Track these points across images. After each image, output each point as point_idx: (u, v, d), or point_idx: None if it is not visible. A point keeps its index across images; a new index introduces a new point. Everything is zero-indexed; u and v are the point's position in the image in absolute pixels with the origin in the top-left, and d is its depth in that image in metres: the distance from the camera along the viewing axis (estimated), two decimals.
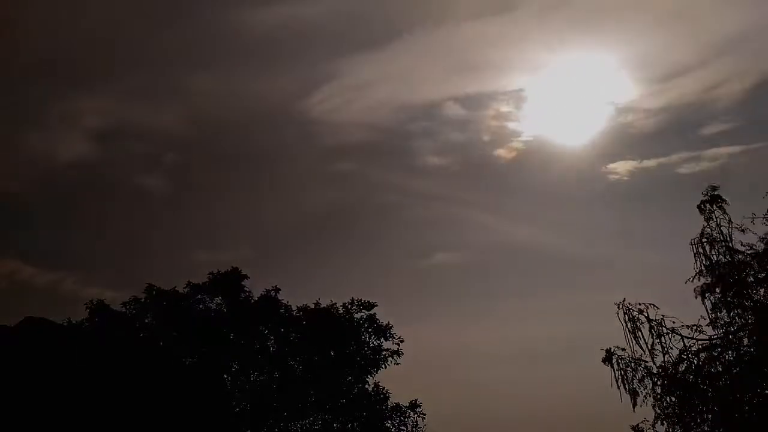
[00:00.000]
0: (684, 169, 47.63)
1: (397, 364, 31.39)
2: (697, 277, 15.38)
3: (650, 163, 48.44)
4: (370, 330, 31.54)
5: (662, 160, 48.17)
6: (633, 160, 48.08)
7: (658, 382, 15.47)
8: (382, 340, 31.49)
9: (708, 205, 15.32)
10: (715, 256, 15.17)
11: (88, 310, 29.31)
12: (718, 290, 15.13)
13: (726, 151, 48.04)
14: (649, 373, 15.65)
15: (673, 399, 15.44)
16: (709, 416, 15.03)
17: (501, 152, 49.00)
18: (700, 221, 15.51)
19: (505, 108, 51.05)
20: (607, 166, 48.60)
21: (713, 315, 15.28)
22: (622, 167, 48.65)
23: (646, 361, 15.67)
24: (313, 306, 31.59)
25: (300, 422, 29.52)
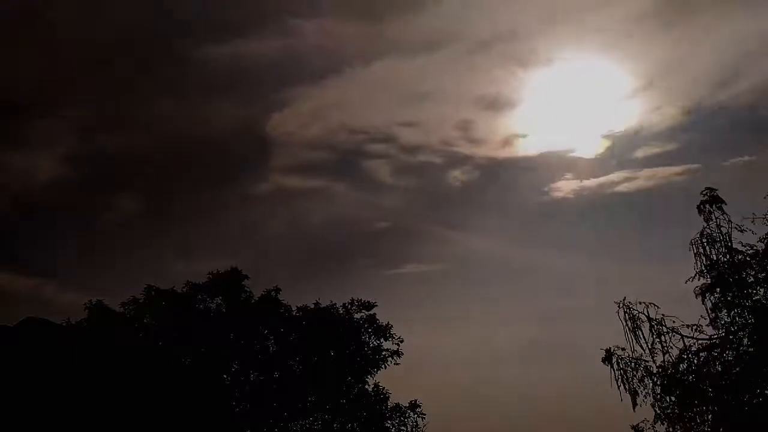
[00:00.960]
0: (622, 188, 49.94)
1: (397, 364, 31.42)
2: (696, 277, 15.41)
3: (590, 183, 50.72)
4: (370, 330, 31.54)
5: (602, 179, 50.54)
6: (576, 180, 50.48)
7: (658, 382, 15.49)
8: (381, 340, 31.50)
9: (707, 206, 15.35)
10: (714, 255, 15.20)
11: (87, 311, 29.29)
12: (718, 290, 15.15)
13: (662, 172, 50.38)
14: (649, 373, 15.67)
15: (673, 399, 15.47)
16: (709, 416, 15.05)
17: (455, 174, 51.39)
18: (699, 222, 15.55)
19: (455, 133, 53.40)
20: (552, 185, 51.15)
21: (713, 315, 15.31)
22: (565, 186, 50.85)
23: (646, 361, 15.69)
24: (313, 306, 31.59)
25: (300, 422, 29.51)
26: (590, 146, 56.74)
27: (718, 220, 15.22)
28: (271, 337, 30.99)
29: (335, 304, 31.79)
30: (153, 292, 30.21)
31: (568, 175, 56.53)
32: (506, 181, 55.79)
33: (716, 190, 15.39)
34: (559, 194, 53.37)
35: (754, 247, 14.98)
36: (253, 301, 31.16)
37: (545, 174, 59.43)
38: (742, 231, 15.08)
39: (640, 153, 54.32)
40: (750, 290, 14.98)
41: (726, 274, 14.99)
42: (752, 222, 14.99)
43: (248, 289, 31.26)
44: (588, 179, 54.06)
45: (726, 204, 15.19)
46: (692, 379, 15.32)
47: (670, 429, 15.23)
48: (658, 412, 15.31)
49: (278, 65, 56.71)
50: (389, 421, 29.99)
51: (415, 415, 30.18)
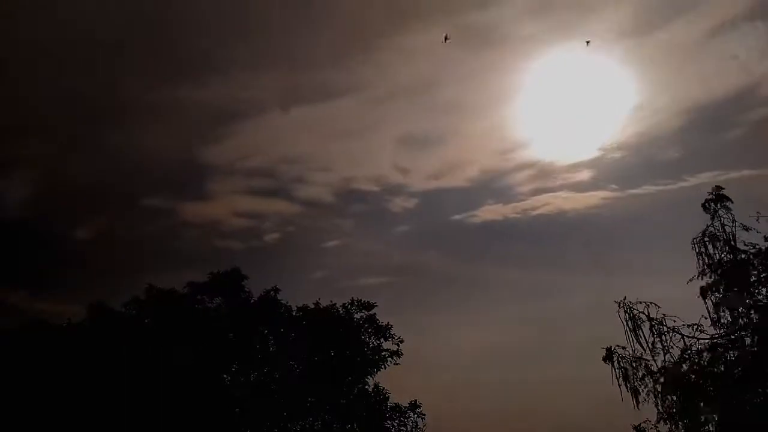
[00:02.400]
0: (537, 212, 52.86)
1: (397, 364, 31.35)
2: (699, 276, 15.41)
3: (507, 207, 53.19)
4: (369, 330, 31.49)
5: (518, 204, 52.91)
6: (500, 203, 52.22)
7: (660, 380, 15.49)
8: (381, 340, 31.44)
9: (713, 204, 15.35)
10: (717, 255, 15.20)
11: (88, 311, 29.23)
12: (720, 289, 15.15)
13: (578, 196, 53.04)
14: (650, 372, 15.67)
15: (675, 398, 15.47)
16: (713, 416, 15.06)
17: (397, 200, 54.61)
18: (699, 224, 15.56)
19: (392, 176, 56.48)
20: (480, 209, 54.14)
21: (715, 314, 15.30)
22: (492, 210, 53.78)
23: (647, 360, 15.69)
24: (312, 306, 31.54)
25: (300, 422, 29.45)
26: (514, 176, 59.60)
27: (722, 218, 15.23)
28: (271, 337, 30.93)
29: (335, 304, 31.74)
30: (154, 293, 30.16)
31: (491, 201, 58.90)
32: (439, 205, 58.40)
33: (723, 188, 15.40)
34: (488, 216, 56.13)
35: (757, 246, 15.00)
36: (252, 301, 31.11)
37: (475, 200, 62.14)
38: (747, 230, 15.10)
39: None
40: (753, 289, 14.99)
41: (728, 274, 14.99)
42: (757, 221, 15.02)
43: (248, 289, 31.24)
44: (509, 204, 56.63)
45: (732, 202, 15.21)
46: (694, 378, 15.32)
47: (673, 428, 15.23)
48: (661, 411, 15.31)
49: (218, 107, 58.62)
50: (389, 421, 29.94)
51: (415, 416, 30.13)
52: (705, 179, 53.38)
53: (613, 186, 56.78)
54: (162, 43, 57.27)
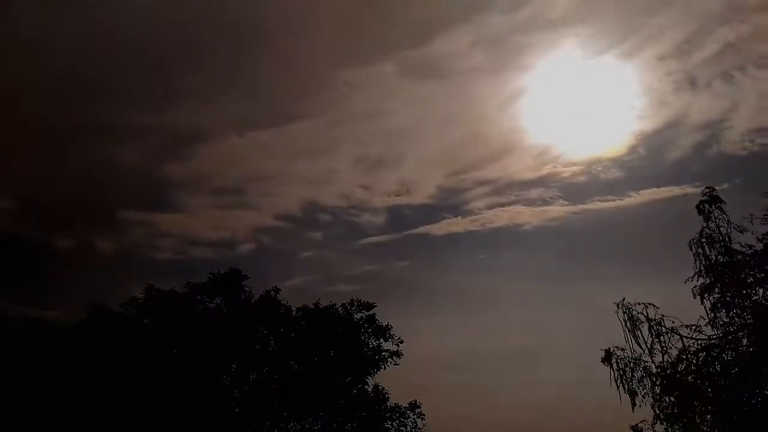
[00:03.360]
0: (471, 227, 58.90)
1: (396, 364, 31.37)
2: (696, 277, 15.40)
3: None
4: (369, 330, 31.52)
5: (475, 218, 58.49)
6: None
7: (658, 382, 15.49)
8: (381, 340, 31.46)
9: (707, 206, 15.34)
10: (714, 256, 15.19)
11: (87, 311, 29.29)
12: (717, 290, 15.15)
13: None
14: (648, 373, 15.67)
15: (673, 399, 15.47)
16: (709, 416, 15.06)
17: (364, 215, 56.53)
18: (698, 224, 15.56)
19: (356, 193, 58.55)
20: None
21: (712, 315, 15.30)
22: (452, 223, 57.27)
23: (646, 361, 15.70)
24: (312, 306, 31.57)
25: (300, 422, 29.49)
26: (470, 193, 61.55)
27: (717, 220, 15.22)
28: (271, 338, 30.97)
29: (335, 304, 31.78)
30: (153, 293, 30.22)
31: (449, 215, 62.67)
32: (403, 220, 61.89)
33: (715, 189, 15.40)
34: (453, 228, 59.27)
35: (753, 248, 15.00)
36: (252, 301, 31.15)
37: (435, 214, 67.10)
38: (741, 231, 15.10)
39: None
40: (749, 290, 14.99)
41: (725, 274, 14.99)
42: (750, 222, 15.02)
43: (248, 289, 31.28)
44: (466, 217, 59.46)
45: (725, 203, 15.21)
46: (691, 379, 15.32)
47: (669, 429, 15.23)
48: (658, 412, 15.31)
49: (183, 131, 61.01)
50: (389, 422, 29.96)
51: (415, 416, 30.16)
52: (647, 195, 57.26)
53: (563, 201, 58.62)
54: (132, 74, 60.99)
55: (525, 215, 59.41)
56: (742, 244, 15.10)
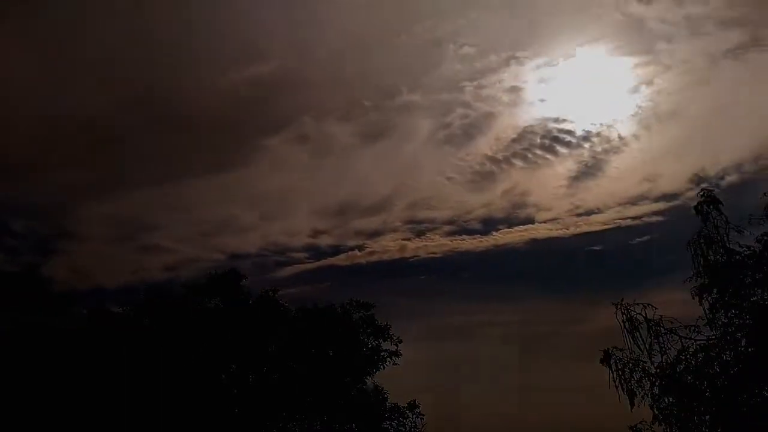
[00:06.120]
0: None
1: (396, 364, 31.34)
2: (694, 277, 15.42)
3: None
4: (368, 330, 31.47)
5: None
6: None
7: (657, 382, 15.51)
8: (380, 340, 31.42)
9: (705, 206, 15.36)
10: (712, 256, 15.21)
11: (86, 312, 29.24)
12: (715, 291, 15.17)
13: None
14: (647, 374, 15.70)
15: (671, 399, 15.49)
16: (707, 417, 15.08)
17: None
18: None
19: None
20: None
21: (711, 315, 15.32)
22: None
23: (644, 362, 15.72)
24: (311, 306, 31.53)
25: (299, 423, 29.48)
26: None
27: (715, 220, 15.24)
28: (270, 338, 30.91)
29: (333, 304, 31.71)
30: (152, 294, 30.19)
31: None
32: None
33: (713, 190, 15.43)
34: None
35: (752, 248, 15.00)
36: (251, 301, 31.10)
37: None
38: (739, 232, 15.11)
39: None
40: (748, 291, 15.00)
41: (723, 275, 15.00)
42: (749, 222, 15.03)
43: (246, 289, 31.24)
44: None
45: (723, 204, 15.23)
46: (690, 379, 15.35)
47: (668, 430, 15.26)
48: (656, 413, 15.34)
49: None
50: (388, 422, 29.95)
51: (414, 416, 30.14)
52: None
53: (476, 234, 58.78)
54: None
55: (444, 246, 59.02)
56: (740, 245, 15.12)
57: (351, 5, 56.04)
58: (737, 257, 15.06)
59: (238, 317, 30.05)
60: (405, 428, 29.97)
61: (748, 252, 14.98)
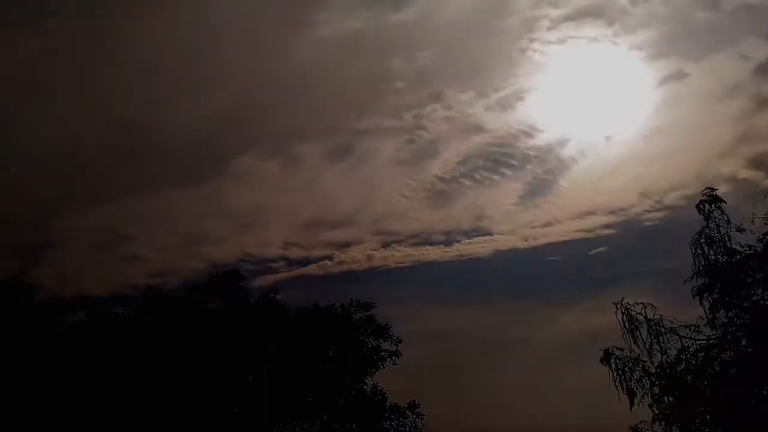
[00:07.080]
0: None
1: (395, 365, 31.29)
2: (695, 277, 15.36)
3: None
4: (368, 331, 31.45)
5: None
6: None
7: (657, 382, 15.47)
8: (380, 340, 31.38)
9: (707, 205, 15.29)
10: (713, 256, 15.15)
11: (86, 313, 29.24)
12: (716, 290, 15.11)
13: None
14: (647, 373, 15.66)
15: (671, 399, 15.45)
16: (708, 416, 15.04)
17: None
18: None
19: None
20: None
21: (711, 315, 15.26)
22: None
23: (644, 361, 15.68)
24: (311, 306, 31.49)
25: (299, 423, 29.43)
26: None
27: (717, 220, 15.17)
28: (270, 338, 30.87)
29: (334, 304, 31.70)
30: (152, 294, 30.17)
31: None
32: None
33: (716, 189, 15.34)
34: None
35: (753, 248, 14.95)
36: (251, 301, 31.09)
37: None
38: (741, 231, 15.06)
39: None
40: (748, 290, 14.95)
41: (724, 275, 14.95)
42: (752, 222, 14.98)
43: (247, 290, 31.24)
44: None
45: (725, 203, 15.16)
46: (690, 379, 15.30)
47: (668, 429, 15.22)
48: (656, 412, 15.29)
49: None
50: (387, 422, 29.89)
51: (414, 416, 30.08)
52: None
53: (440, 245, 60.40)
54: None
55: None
56: (742, 245, 15.06)
57: (312, 43, 60.91)
58: (738, 256, 15.01)
59: (238, 317, 30.02)
60: (405, 428, 29.94)
61: (750, 251, 14.92)
